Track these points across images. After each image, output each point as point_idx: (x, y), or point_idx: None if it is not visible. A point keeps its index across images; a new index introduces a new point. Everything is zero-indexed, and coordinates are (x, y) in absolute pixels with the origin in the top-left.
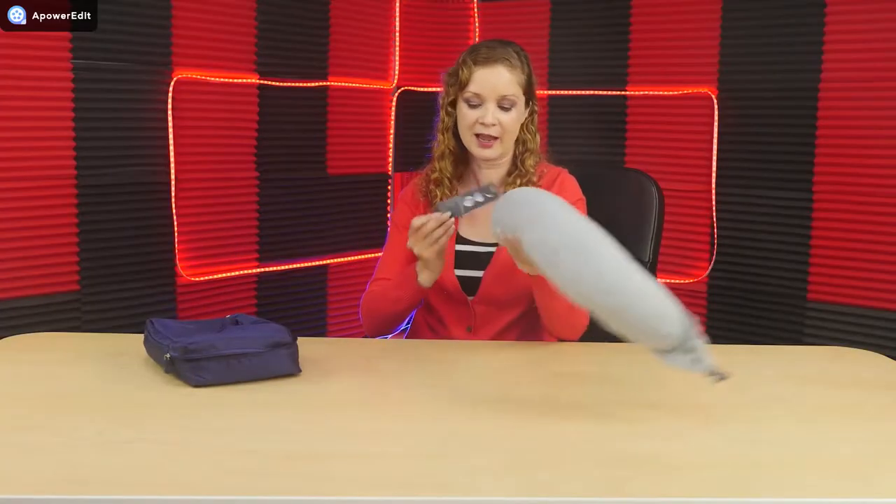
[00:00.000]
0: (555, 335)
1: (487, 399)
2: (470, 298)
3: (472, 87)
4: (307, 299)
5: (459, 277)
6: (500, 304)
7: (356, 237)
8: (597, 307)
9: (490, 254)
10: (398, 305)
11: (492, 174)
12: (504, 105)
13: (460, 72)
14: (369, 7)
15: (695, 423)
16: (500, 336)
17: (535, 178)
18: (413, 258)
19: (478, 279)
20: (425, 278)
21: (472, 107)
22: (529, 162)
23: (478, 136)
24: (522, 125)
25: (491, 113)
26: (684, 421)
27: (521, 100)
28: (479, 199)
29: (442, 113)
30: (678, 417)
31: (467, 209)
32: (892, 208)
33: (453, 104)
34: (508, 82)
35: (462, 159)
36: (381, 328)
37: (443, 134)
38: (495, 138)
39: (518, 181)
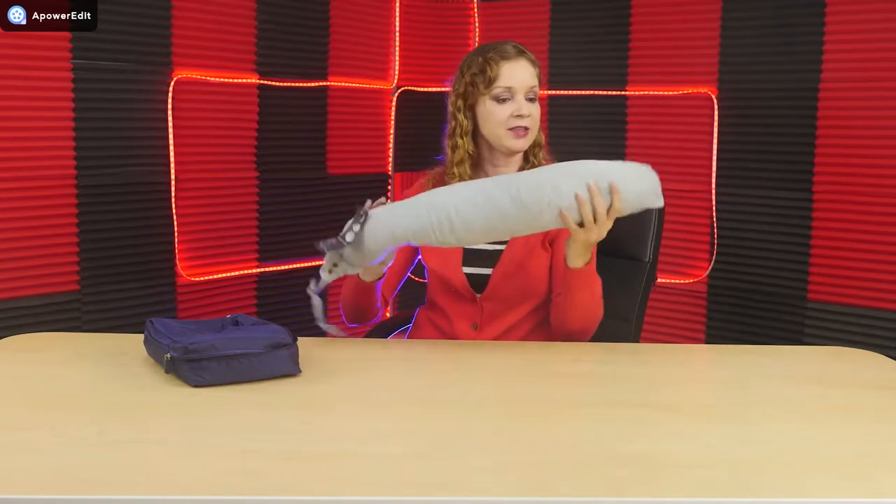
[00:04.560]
0: (568, 331)
1: (487, 399)
2: (478, 296)
3: (502, 82)
4: (307, 299)
5: (468, 274)
6: (508, 301)
7: None
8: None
9: (499, 252)
10: (357, 300)
11: (507, 170)
12: (530, 97)
13: (488, 69)
14: (369, 7)
15: (695, 423)
16: (506, 334)
17: None
18: (411, 253)
19: (486, 276)
20: (366, 275)
21: (502, 101)
22: (540, 156)
23: (511, 129)
24: None
25: (524, 105)
26: (684, 421)
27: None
28: (356, 227)
29: (460, 117)
30: (678, 417)
31: (349, 242)
32: (892, 208)
33: (472, 108)
34: (532, 75)
35: (476, 163)
36: (354, 317)
37: (462, 138)
38: (527, 129)
39: None
